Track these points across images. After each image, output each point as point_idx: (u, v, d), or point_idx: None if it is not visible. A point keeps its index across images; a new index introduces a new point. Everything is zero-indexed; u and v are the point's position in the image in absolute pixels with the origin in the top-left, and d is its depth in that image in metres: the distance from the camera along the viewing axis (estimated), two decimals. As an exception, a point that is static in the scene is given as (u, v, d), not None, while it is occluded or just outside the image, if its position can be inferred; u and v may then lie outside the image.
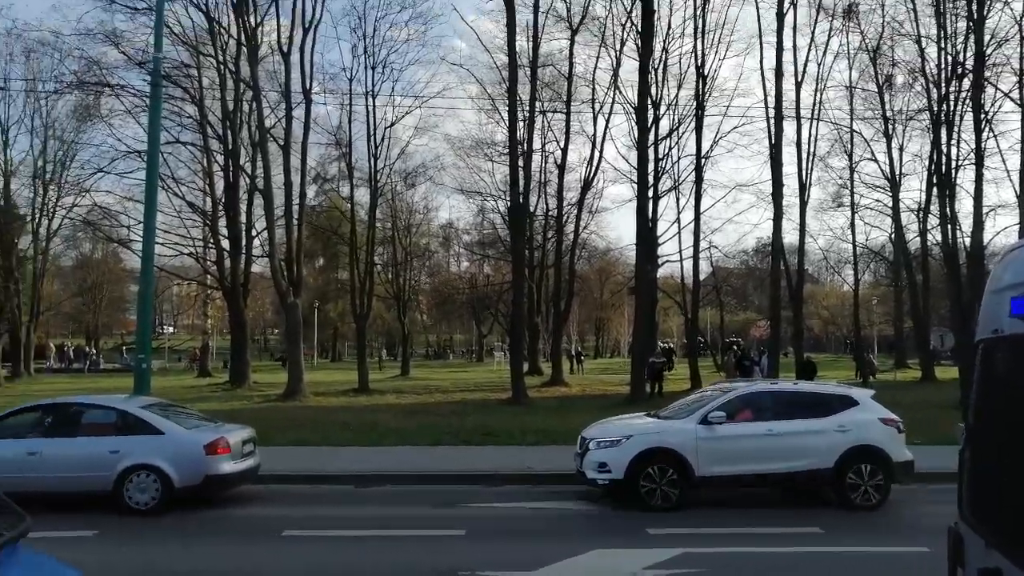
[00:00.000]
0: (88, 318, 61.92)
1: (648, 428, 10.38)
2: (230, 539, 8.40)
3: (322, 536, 8.41)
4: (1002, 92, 26.43)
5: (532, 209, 35.78)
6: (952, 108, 26.82)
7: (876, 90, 33.56)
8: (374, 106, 32.09)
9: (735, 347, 38.38)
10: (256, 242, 34.00)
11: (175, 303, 65.08)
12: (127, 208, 34.99)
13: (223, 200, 32.83)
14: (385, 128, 32.94)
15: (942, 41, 26.02)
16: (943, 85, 26.64)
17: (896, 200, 35.02)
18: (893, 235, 37.21)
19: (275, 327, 72.30)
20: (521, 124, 29.31)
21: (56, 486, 9.25)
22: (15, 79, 35.28)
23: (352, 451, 13.81)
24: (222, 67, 29.83)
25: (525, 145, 30.47)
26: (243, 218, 32.78)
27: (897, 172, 35.07)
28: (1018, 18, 24.76)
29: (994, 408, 3.17)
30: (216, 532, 8.70)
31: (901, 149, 35.33)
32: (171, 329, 73.46)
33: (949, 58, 25.89)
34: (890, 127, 34.20)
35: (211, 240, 34.69)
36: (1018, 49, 25.28)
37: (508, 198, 33.15)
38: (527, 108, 30.69)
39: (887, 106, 33.84)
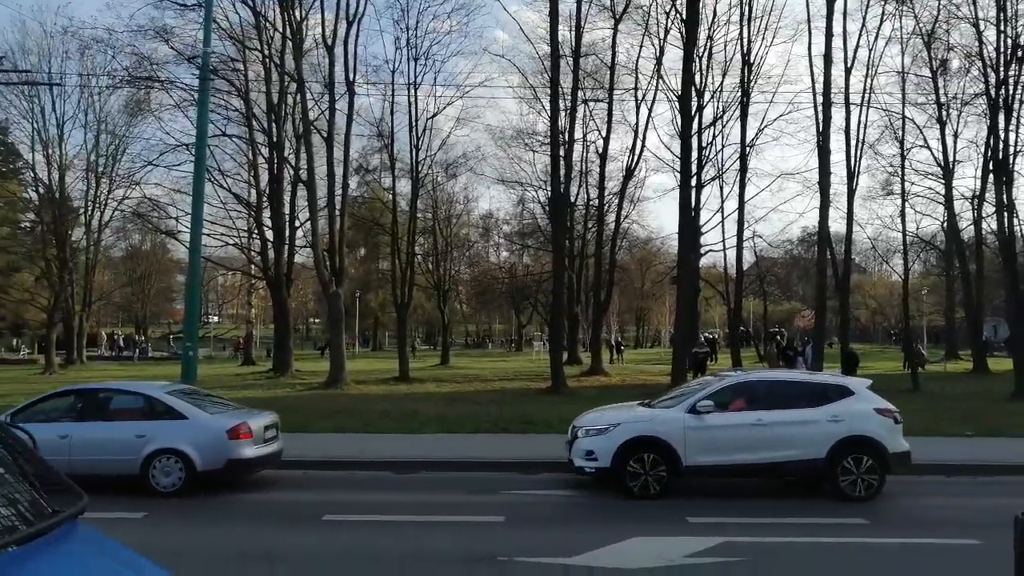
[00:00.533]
0: (137, 307, 63.68)
1: (636, 417, 10.30)
2: (272, 523, 8.53)
3: (362, 521, 8.51)
4: (1064, 75, 25.42)
5: (573, 199, 35.61)
6: (1011, 92, 25.89)
7: (930, 75, 32.53)
8: (416, 97, 32.24)
9: (778, 337, 37.81)
10: (299, 233, 34.51)
11: (220, 293, 66.46)
12: (175, 200, 35.80)
13: (267, 192, 33.38)
14: (427, 119, 33.05)
15: (1001, 24, 25.13)
16: (1002, 69, 25.72)
17: (949, 188, 34.00)
18: (945, 223, 36.12)
19: (317, 316, 73.49)
20: (563, 114, 29.15)
21: (86, 469, 9.22)
22: (70, 75, 36.24)
23: (392, 438, 13.95)
24: (268, 61, 30.26)
25: (566, 135, 30.31)
26: (287, 209, 33.29)
27: (951, 159, 34.05)
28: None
29: None
30: (258, 516, 8.86)
31: (955, 135, 34.28)
32: (216, 318, 75.09)
33: (1009, 41, 24.99)
34: (944, 113, 33.17)
35: (256, 231, 35.32)
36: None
37: (549, 188, 33.09)
38: (569, 98, 30.52)
39: (941, 91, 32.81)
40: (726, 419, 9.77)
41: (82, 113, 39.00)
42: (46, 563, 2.40)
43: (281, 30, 28.77)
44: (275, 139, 31.55)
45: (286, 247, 33.30)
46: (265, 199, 33.69)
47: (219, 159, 33.56)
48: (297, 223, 34.19)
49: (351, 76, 27.81)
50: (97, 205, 40.63)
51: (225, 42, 31.05)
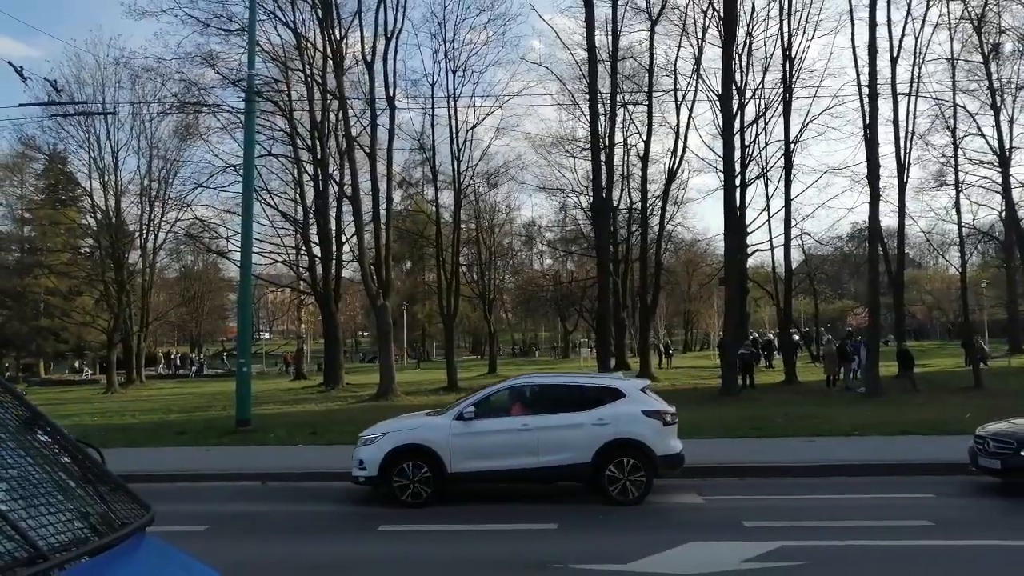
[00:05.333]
0: (192, 326, 65.25)
1: (405, 425, 10.42)
2: (329, 535, 8.67)
3: (417, 530, 8.58)
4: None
5: (615, 203, 35.47)
6: (1067, 74, 25.00)
7: (981, 60, 31.59)
8: (455, 109, 32.55)
9: (829, 335, 37.00)
10: (346, 248, 35.04)
11: (270, 309, 67.75)
12: (225, 220, 36.68)
13: (313, 208, 33.99)
14: (467, 130, 33.35)
15: (1054, 3, 24.29)
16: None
17: (1007, 176, 32.89)
18: (1004, 213, 34.95)
19: (366, 330, 74.32)
20: (602, 118, 29.11)
21: None
22: (123, 103, 37.46)
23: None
24: (310, 80, 30.88)
25: (607, 139, 30.25)
26: (333, 225, 33.83)
27: (1007, 146, 32.96)
28: None
29: None
30: (314, 528, 8.99)
31: (1011, 121, 33.19)
32: (267, 335, 76.52)
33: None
34: (998, 99, 32.16)
35: (303, 247, 35.96)
36: None
37: (591, 193, 33.00)
38: (608, 102, 30.45)
39: (994, 77, 31.83)
40: (492, 425, 9.84)
41: (135, 140, 40.22)
42: (116, 573, 2.48)
43: (322, 49, 29.34)
44: (319, 156, 32.15)
45: (333, 262, 33.85)
46: (311, 216, 34.32)
47: (266, 178, 34.39)
48: (343, 238, 34.77)
49: (391, 91, 28.24)
50: (151, 228, 41.82)
51: (268, 64, 31.80)
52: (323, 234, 33.38)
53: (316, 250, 33.96)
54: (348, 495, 10.75)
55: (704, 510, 9.28)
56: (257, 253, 30.17)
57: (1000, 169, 33.20)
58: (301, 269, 37.40)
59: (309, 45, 30.44)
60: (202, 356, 62.84)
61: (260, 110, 28.67)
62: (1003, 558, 6.99)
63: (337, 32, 27.88)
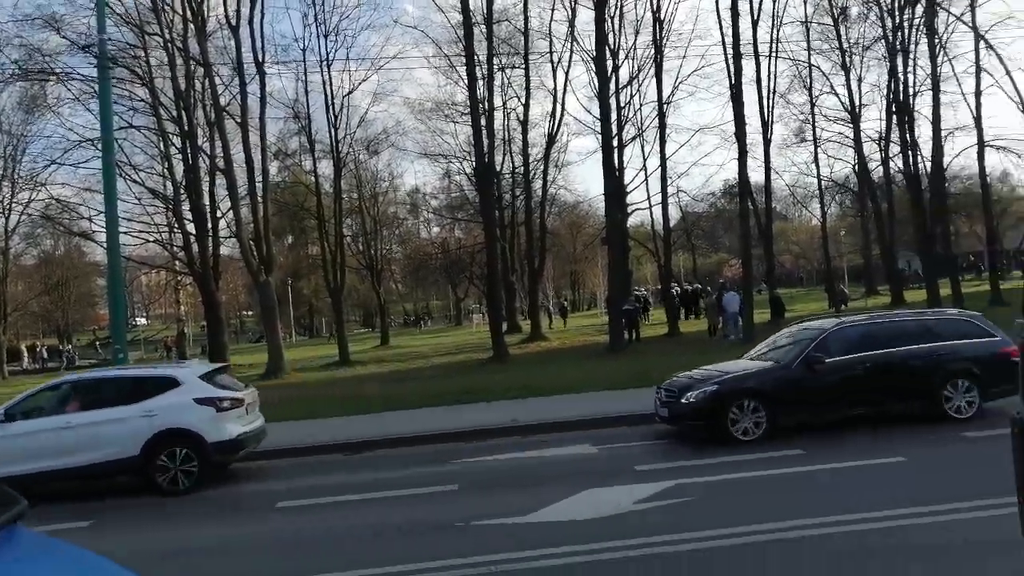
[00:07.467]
0: (58, 316, 60.81)
1: None
2: (224, 515, 8.47)
3: (317, 504, 8.49)
4: (955, 16, 26.63)
5: (499, 168, 35.61)
6: (907, 35, 27.04)
7: (832, 23, 33.64)
8: (330, 75, 31.52)
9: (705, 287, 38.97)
10: (222, 223, 33.41)
11: (145, 293, 64.12)
12: (86, 199, 34.14)
13: (184, 183, 32.13)
14: (343, 97, 32.44)
15: (894, -32, 26.08)
16: (897, 13, 26.79)
17: (857, 131, 35.38)
18: (856, 166, 37.66)
19: (250, 308, 71.73)
20: (480, 82, 29.02)
21: None
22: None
23: (339, 421, 13.88)
24: (170, 46, 28.87)
25: (486, 104, 30.18)
26: (206, 200, 32.11)
27: (857, 103, 35.39)
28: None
29: None
30: (209, 514, 8.75)
31: (860, 80, 35.62)
32: (144, 320, 72.43)
33: (902, -16, 25.98)
34: (847, 59, 34.40)
35: (176, 225, 34.04)
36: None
37: (473, 159, 32.96)
38: (485, 66, 30.35)
39: (843, 38, 33.98)
40: (32, 426, 9.62)
41: (-28, 113, 36.67)
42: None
43: (181, 12, 27.58)
44: (187, 128, 30.29)
45: (209, 239, 32.22)
46: (182, 191, 32.44)
47: (129, 153, 32.09)
48: (219, 213, 33.11)
49: (260, 57, 27.04)
50: (1, 211, 38.48)
51: (122, 28, 29.46)
52: (196, 210, 31.62)
53: (190, 227, 32.21)
54: (244, 475, 10.50)
55: (598, 459, 9.64)
56: (125, 233, 28.27)
57: (852, 125, 35.65)
58: (175, 248, 35.44)
59: (166, 7, 28.46)
60: (73, 347, 58.75)
61: (116, 78, 26.67)
62: (858, 474, 7.69)
63: (197, -6, 26.28)
